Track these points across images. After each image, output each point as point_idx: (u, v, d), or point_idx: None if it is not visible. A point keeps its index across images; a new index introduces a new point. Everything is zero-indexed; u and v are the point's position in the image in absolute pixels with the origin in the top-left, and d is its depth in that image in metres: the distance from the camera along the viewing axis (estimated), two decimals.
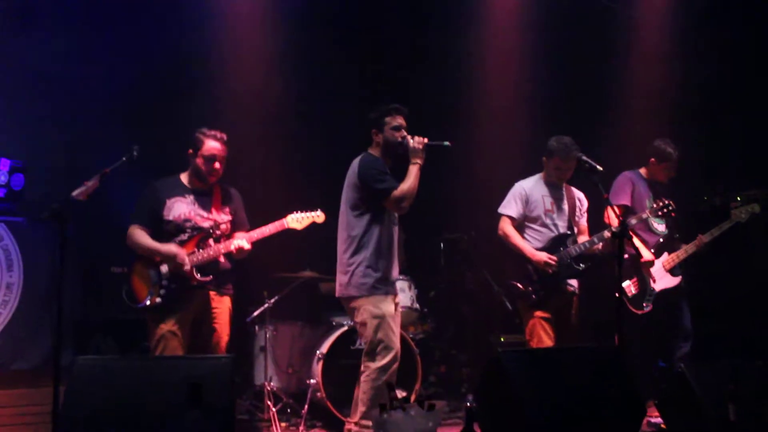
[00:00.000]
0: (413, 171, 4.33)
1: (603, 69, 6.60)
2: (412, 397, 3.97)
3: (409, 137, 4.39)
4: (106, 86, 5.66)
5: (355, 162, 4.46)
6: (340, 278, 4.45)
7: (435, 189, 6.41)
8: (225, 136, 4.55)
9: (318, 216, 4.70)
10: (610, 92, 6.61)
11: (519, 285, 5.07)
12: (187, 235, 4.46)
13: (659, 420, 4.98)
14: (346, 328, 5.40)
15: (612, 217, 5.24)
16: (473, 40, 6.61)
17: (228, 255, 4.56)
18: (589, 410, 3.65)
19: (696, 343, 5.46)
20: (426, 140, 4.36)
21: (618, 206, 5.35)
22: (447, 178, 6.54)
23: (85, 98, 5.58)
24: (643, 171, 5.66)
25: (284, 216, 4.65)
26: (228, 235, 4.58)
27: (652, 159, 5.58)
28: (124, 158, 4.32)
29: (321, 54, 6.38)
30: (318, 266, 5.75)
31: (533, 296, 5.01)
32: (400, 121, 4.46)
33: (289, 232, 4.72)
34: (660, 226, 5.55)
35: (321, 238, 5.01)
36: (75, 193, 4.04)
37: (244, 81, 6.11)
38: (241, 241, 4.48)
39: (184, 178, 4.60)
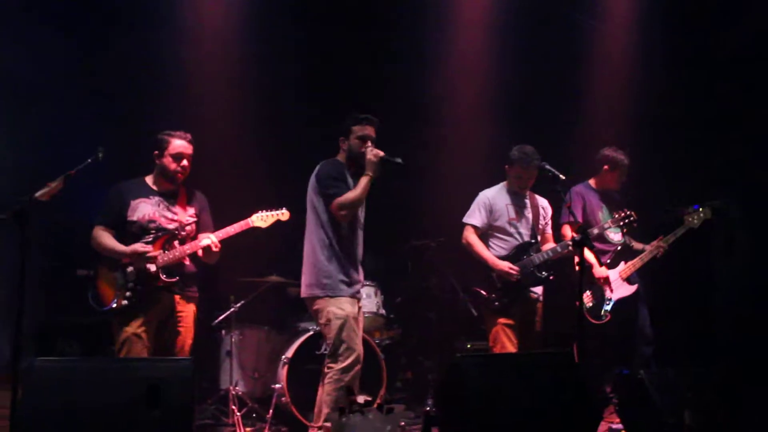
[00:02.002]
0: (362, 182, 4.36)
1: (568, 76, 6.67)
2: (377, 402, 3.98)
3: (368, 149, 4.40)
4: (72, 87, 5.64)
5: (318, 166, 4.51)
6: (305, 279, 4.49)
7: (402, 196, 6.49)
8: (190, 136, 4.54)
9: (283, 214, 4.68)
10: (575, 99, 6.68)
11: (482, 292, 5.12)
12: (152, 236, 4.42)
13: (620, 426, 5.06)
14: (311, 333, 5.42)
15: (569, 235, 5.35)
16: (440, 49, 6.64)
17: (194, 257, 4.55)
18: (545, 416, 3.69)
19: (658, 348, 5.51)
20: (382, 154, 4.37)
21: (568, 224, 5.45)
22: (414, 185, 6.58)
23: (50, 98, 5.56)
24: (592, 182, 5.72)
25: (249, 215, 4.63)
26: (193, 237, 4.56)
27: (606, 167, 5.64)
28: (89, 160, 4.32)
29: (288, 55, 6.38)
30: (285, 271, 5.75)
31: (496, 303, 5.06)
32: (367, 131, 4.48)
33: (255, 236, 4.73)
34: (616, 236, 5.62)
35: (288, 243, 5.02)
36: (38, 194, 4.02)
37: (210, 83, 6.11)
38: (208, 239, 4.45)
39: (149, 180, 4.58)
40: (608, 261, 5.52)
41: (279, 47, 6.34)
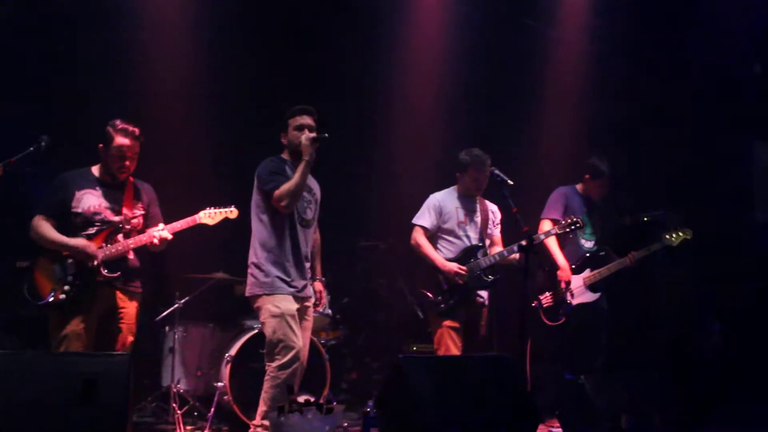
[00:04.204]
0: (299, 169, 4.32)
1: (522, 81, 6.73)
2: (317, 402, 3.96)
3: (303, 136, 4.37)
4: (18, 72, 5.51)
5: (259, 164, 4.50)
6: (248, 278, 4.47)
7: (353, 196, 6.49)
8: (137, 131, 4.38)
9: (231, 212, 4.62)
10: (527, 108, 6.75)
11: (429, 294, 5.13)
12: (95, 228, 4.30)
13: (559, 430, 5.12)
14: (255, 331, 5.36)
15: (544, 230, 5.37)
16: (394, 46, 6.65)
17: (138, 251, 4.43)
18: (484, 418, 3.72)
19: (610, 357, 5.56)
20: (313, 135, 4.34)
21: (550, 220, 5.49)
22: (365, 185, 6.59)
23: None
24: (579, 187, 5.77)
25: (197, 212, 4.56)
26: (140, 231, 4.44)
27: (587, 175, 5.70)
28: (31, 148, 4.23)
29: (240, 52, 6.32)
30: (231, 268, 5.70)
31: (442, 305, 5.07)
32: (304, 120, 4.46)
33: (203, 231, 4.67)
34: (588, 243, 5.66)
35: (236, 240, 4.97)
36: None
37: (163, 75, 6.01)
38: (164, 231, 4.36)
39: (95, 170, 4.44)
40: (575, 266, 5.57)
41: (231, 43, 6.27)
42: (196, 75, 6.15)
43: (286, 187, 4.30)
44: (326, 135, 4.33)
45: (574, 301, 5.49)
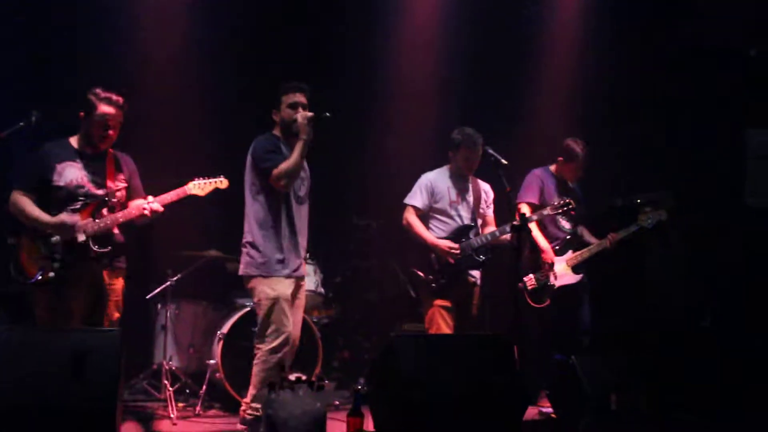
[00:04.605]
0: (297, 148, 4.29)
1: (517, 70, 6.69)
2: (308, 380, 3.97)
3: (298, 114, 4.34)
4: (5, 44, 5.46)
5: (252, 143, 4.46)
6: (242, 257, 4.45)
7: (346, 174, 6.47)
8: (121, 99, 4.21)
9: (221, 182, 4.51)
10: (521, 88, 6.71)
11: (420, 273, 5.14)
12: (80, 203, 4.16)
13: (550, 410, 5.16)
14: (248, 309, 5.36)
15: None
16: (390, 29, 6.59)
17: (123, 225, 4.31)
18: (475, 397, 3.74)
19: (594, 338, 5.60)
20: (311, 114, 4.31)
21: (526, 203, 5.47)
22: (358, 163, 6.57)
23: None
24: (553, 168, 5.73)
25: (186, 183, 4.45)
26: (123, 204, 4.33)
27: (560, 158, 5.67)
28: (21, 123, 4.15)
29: (233, 26, 6.24)
30: (224, 246, 5.68)
31: (433, 285, 5.08)
32: (297, 98, 4.42)
33: (195, 208, 4.64)
34: (567, 224, 5.66)
35: (229, 217, 4.95)
36: None
37: (153, 45, 5.91)
38: (154, 203, 4.23)
39: (74, 141, 4.28)
40: (557, 248, 5.57)
41: (225, 16, 6.19)
42: (187, 45, 6.04)
43: (284, 166, 4.27)
44: (328, 114, 4.29)
45: (558, 283, 5.49)
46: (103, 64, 5.68)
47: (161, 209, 4.28)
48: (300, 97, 4.43)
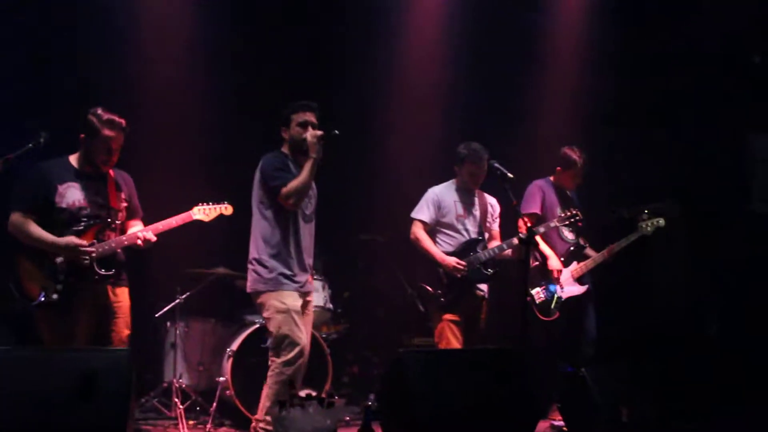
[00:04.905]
0: (306, 166, 4.32)
1: (520, 76, 6.71)
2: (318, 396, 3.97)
3: (307, 132, 4.37)
4: (17, 69, 5.50)
5: (261, 160, 4.48)
6: (249, 274, 4.47)
7: (352, 189, 6.48)
8: (123, 122, 4.17)
9: (225, 208, 4.58)
10: (526, 99, 6.71)
11: (428, 288, 5.15)
12: (83, 224, 4.13)
13: (561, 423, 5.13)
14: (257, 326, 5.37)
15: (522, 227, 5.35)
16: (394, 41, 6.61)
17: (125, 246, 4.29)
18: (486, 411, 3.73)
19: (600, 348, 5.59)
20: (320, 133, 4.33)
21: (528, 215, 5.47)
22: (365, 178, 6.58)
23: None
24: (552, 178, 5.75)
25: (190, 208, 4.50)
26: (123, 224, 4.33)
27: (559, 167, 5.69)
28: (30, 144, 4.16)
29: (234, 41, 6.27)
30: (233, 264, 5.69)
31: (442, 299, 5.09)
32: (307, 117, 4.45)
33: (202, 227, 4.65)
34: (570, 235, 5.67)
35: (237, 235, 4.96)
36: None
37: (157, 67, 5.95)
38: (148, 233, 4.27)
39: (73, 160, 4.23)
40: (562, 259, 5.57)
41: (226, 34, 6.22)
42: (191, 67, 6.08)
43: (293, 184, 4.29)
44: (337, 132, 4.32)
45: (564, 295, 5.50)
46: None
47: (154, 239, 4.27)
48: (310, 116, 4.46)
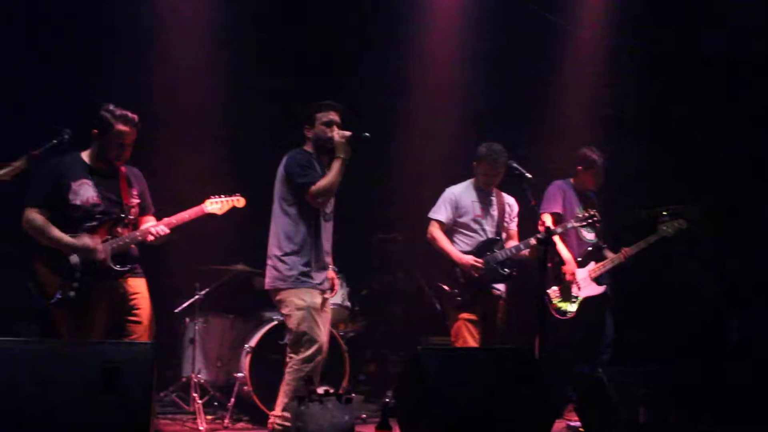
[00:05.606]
0: (335, 166, 4.35)
1: (539, 76, 6.71)
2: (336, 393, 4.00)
3: (335, 132, 4.40)
4: (42, 67, 5.56)
5: (285, 157, 4.50)
6: (268, 271, 4.49)
7: (371, 188, 6.50)
8: (136, 118, 4.19)
9: (238, 201, 4.58)
10: (545, 100, 6.71)
11: (445, 287, 5.16)
12: (96, 221, 4.14)
13: (578, 424, 5.13)
14: (275, 322, 5.40)
15: (541, 227, 5.36)
16: (413, 45, 6.63)
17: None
18: (502, 410, 3.74)
19: (617, 350, 5.58)
20: (349, 134, 4.36)
21: (550, 214, 5.48)
22: (383, 177, 6.60)
23: (18, 79, 5.46)
24: (573, 180, 5.75)
25: (202, 201, 4.49)
26: (136, 220, 4.35)
27: (579, 167, 5.68)
28: (54, 141, 4.18)
29: (252, 42, 6.32)
30: (252, 261, 5.73)
31: (458, 298, 5.10)
32: (332, 116, 4.48)
33: (220, 225, 4.68)
34: (589, 235, 5.65)
35: (255, 232, 5.00)
36: (0, 173, 3.94)
37: (176, 64, 6.00)
38: (161, 227, 4.27)
39: (86, 157, 4.24)
40: (580, 259, 5.56)
41: (244, 35, 6.26)
42: (210, 61, 6.11)
43: (322, 183, 4.32)
44: (368, 135, 4.35)
45: (581, 295, 5.49)
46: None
47: (167, 231, 4.28)
48: (335, 116, 4.49)
